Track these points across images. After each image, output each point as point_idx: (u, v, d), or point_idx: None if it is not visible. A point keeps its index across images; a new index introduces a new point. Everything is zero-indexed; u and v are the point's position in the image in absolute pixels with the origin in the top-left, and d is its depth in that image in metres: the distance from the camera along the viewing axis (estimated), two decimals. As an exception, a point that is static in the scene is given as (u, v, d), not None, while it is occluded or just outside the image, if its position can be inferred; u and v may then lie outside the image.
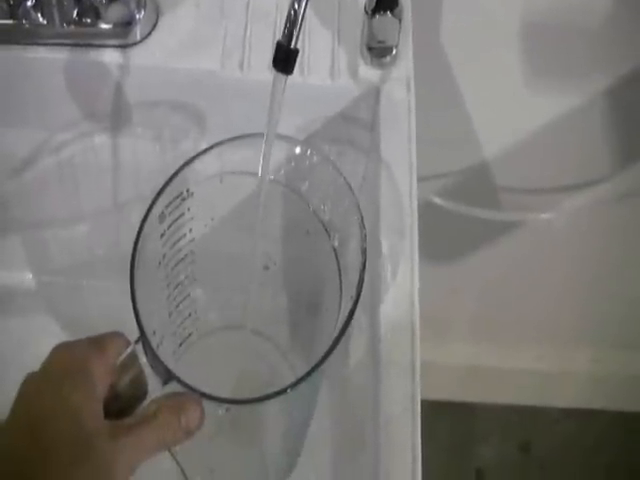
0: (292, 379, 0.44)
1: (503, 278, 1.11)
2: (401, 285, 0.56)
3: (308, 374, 0.44)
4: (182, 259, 0.56)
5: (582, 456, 1.32)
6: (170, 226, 0.52)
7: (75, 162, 0.70)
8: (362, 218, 0.48)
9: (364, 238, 0.47)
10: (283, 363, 0.67)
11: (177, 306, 0.59)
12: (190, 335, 0.64)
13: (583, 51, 0.81)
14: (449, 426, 1.32)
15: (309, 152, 0.51)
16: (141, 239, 0.46)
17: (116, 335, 0.46)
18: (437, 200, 0.96)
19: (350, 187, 0.49)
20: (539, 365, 1.26)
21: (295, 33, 0.45)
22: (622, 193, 0.97)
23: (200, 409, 0.44)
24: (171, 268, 0.56)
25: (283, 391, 0.44)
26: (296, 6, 0.45)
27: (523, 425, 1.34)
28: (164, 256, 0.54)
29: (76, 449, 0.40)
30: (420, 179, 0.61)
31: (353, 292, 0.46)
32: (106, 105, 0.67)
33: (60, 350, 0.44)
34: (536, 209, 1.00)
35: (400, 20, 0.62)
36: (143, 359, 0.44)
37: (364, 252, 0.47)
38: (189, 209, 0.53)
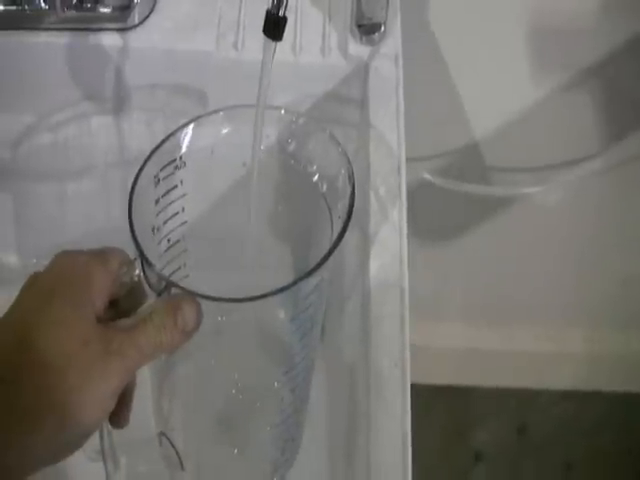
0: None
1: (496, 256, 1.12)
2: (390, 251, 0.57)
3: (309, 273, 0.44)
4: (176, 242, 0.56)
5: (580, 438, 1.33)
6: (164, 195, 0.52)
7: (75, 143, 0.72)
8: (351, 167, 0.48)
9: (351, 173, 0.48)
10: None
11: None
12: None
13: (572, 34, 0.82)
14: (446, 410, 1.33)
15: (292, 115, 0.52)
16: (138, 182, 0.47)
17: (117, 249, 0.45)
18: (429, 177, 0.97)
19: (336, 139, 0.50)
20: (535, 347, 1.27)
21: (284, 1, 0.47)
22: (611, 167, 0.98)
23: (196, 308, 0.43)
24: (164, 249, 0.55)
25: (287, 287, 0.43)
26: (284, -26, 0.47)
27: (520, 408, 1.35)
28: (158, 229, 0.53)
29: (64, 355, 0.39)
30: (413, 159, 0.62)
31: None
32: (106, 87, 0.68)
33: (63, 257, 0.44)
34: (528, 185, 1.01)
35: (387, -3, 0.65)
36: (141, 274, 0.45)
37: (352, 184, 0.47)
38: (182, 182, 0.53)
